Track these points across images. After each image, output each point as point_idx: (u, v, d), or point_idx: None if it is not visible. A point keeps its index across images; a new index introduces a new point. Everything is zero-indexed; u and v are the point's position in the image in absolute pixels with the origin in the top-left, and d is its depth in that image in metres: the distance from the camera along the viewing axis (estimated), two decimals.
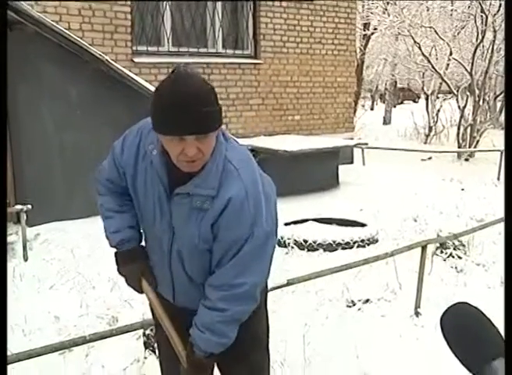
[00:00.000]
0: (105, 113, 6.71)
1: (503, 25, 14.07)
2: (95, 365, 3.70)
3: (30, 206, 5.70)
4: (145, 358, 3.75)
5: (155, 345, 3.74)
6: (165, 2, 8.87)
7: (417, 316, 4.66)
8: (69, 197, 6.69)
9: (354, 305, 4.84)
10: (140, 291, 2.35)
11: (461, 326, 1.03)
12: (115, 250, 2.36)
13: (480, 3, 13.64)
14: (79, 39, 6.49)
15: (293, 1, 10.33)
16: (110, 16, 8.21)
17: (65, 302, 4.66)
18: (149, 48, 8.85)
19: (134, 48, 8.61)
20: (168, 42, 9.02)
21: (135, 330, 3.28)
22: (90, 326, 4.12)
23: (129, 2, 8.38)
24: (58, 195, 6.69)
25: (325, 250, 6.11)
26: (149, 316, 3.66)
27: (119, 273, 2.40)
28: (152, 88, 6.88)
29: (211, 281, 2.09)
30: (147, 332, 3.75)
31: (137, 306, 4.34)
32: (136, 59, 8.52)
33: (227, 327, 2.09)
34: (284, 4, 10.22)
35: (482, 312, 1.04)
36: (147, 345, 3.77)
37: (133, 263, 2.31)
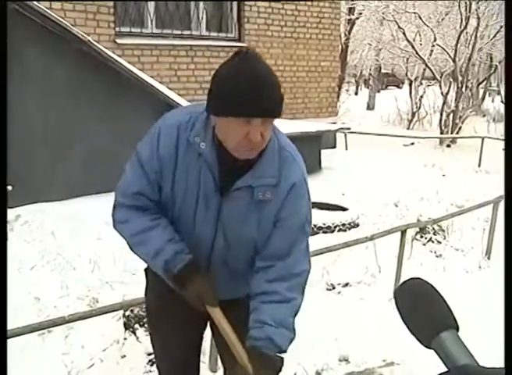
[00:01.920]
0: (88, 95, 6.65)
1: (487, 12, 14.15)
2: (75, 346, 3.70)
3: (10, 187, 5.66)
4: (125, 339, 3.76)
5: (135, 326, 3.77)
6: None
7: None
8: (51, 178, 6.65)
9: (334, 288, 4.89)
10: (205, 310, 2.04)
11: (413, 300, 1.06)
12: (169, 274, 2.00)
13: None
14: (61, 19, 6.41)
15: None
16: None
17: (45, 283, 4.65)
18: (132, 30, 8.78)
19: (117, 29, 8.53)
20: (151, 24, 8.95)
21: (115, 310, 3.28)
22: (70, 307, 4.12)
23: None
24: (40, 177, 6.64)
25: None
26: (129, 297, 3.68)
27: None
28: (135, 70, 6.84)
29: (272, 275, 1.99)
30: (127, 313, 3.76)
31: (118, 287, 4.35)
32: (119, 40, 8.45)
33: (294, 320, 2.01)
34: None
35: (434, 288, 1.07)
36: (126, 326, 3.78)
37: (190, 284, 1.97)
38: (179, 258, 1.96)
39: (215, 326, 2.10)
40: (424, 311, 1.05)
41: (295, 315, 2.01)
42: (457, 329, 1.03)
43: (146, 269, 2.31)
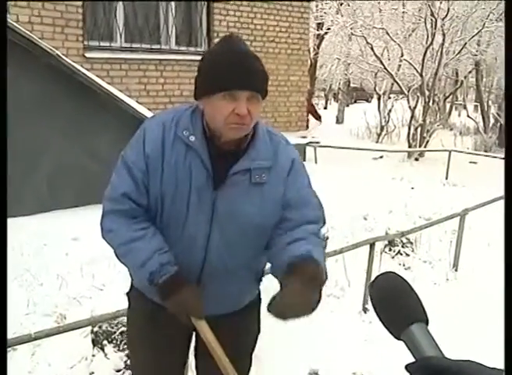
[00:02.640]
0: (56, 109, 6.60)
1: (452, 29, 14.42)
2: (41, 363, 3.64)
3: None
4: (93, 355, 3.71)
5: (103, 342, 3.72)
6: None
7: (365, 312, 4.74)
8: (18, 193, 6.57)
9: None
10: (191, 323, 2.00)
11: (385, 293, 1.10)
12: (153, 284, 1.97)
13: (430, 6, 13.92)
14: (28, 32, 6.37)
15: (247, 0, 10.35)
16: (61, 10, 8.08)
17: (12, 300, 4.57)
18: (101, 44, 8.75)
19: (86, 43, 8.50)
20: (120, 38, 8.94)
21: (83, 327, 3.25)
22: (36, 324, 4.06)
23: None
24: (7, 192, 6.55)
25: None
26: (97, 312, 3.64)
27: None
28: (104, 84, 6.81)
29: (297, 233, 1.95)
30: (96, 329, 3.72)
31: (86, 303, 4.29)
32: (87, 54, 8.42)
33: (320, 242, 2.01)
34: (238, 2, 10.24)
35: (406, 282, 1.11)
36: (95, 343, 3.73)
37: (175, 296, 1.93)
38: (165, 270, 1.93)
39: (200, 340, 2.08)
40: (395, 304, 1.08)
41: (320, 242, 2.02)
42: (427, 322, 1.07)
43: (128, 293, 2.28)
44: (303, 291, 1.70)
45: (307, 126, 12.47)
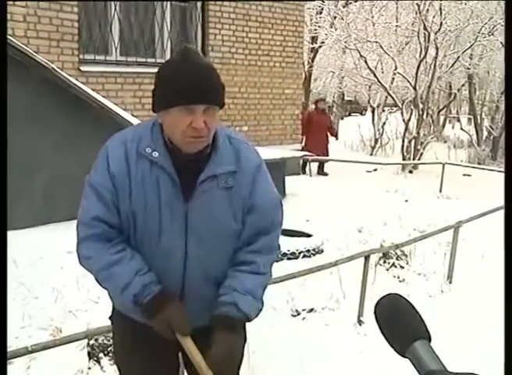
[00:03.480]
0: (51, 122, 6.61)
1: (445, 42, 14.53)
2: None
3: None
4: (89, 368, 3.71)
5: (99, 355, 3.72)
6: (113, 11, 8.82)
7: (360, 325, 4.75)
8: (13, 207, 6.55)
9: (299, 314, 4.90)
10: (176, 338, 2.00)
11: (389, 313, 1.17)
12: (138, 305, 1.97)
13: (423, 20, 14.03)
14: (24, 46, 6.39)
15: (242, 14, 10.42)
16: (56, 24, 8.11)
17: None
18: (96, 57, 8.78)
19: (81, 57, 8.52)
20: (116, 51, 8.97)
21: (79, 340, 3.25)
22: (32, 337, 4.05)
23: (76, 10, 8.30)
24: None
25: None
26: (93, 325, 3.63)
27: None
28: (99, 97, 6.84)
29: (255, 247, 2.07)
30: (92, 342, 3.71)
31: (81, 316, 4.29)
32: (83, 68, 8.44)
33: (263, 292, 2.09)
34: (233, 16, 10.31)
35: (409, 302, 1.18)
36: (91, 355, 3.73)
37: (160, 314, 1.94)
38: (148, 291, 1.94)
39: (186, 357, 2.08)
40: (399, 323, 1.15)
41: (264, 288, 2.09)
42: (429, 339, 1.13)
43: (111, 318, 2.27)
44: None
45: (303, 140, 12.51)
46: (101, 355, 3.70)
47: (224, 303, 1.99)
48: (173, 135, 1.94)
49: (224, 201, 2.01)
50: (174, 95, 1.87)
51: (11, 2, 7.42)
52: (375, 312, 1.19)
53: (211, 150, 2.00)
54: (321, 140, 12.97)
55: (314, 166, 12.51)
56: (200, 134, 1.90)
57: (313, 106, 15.18)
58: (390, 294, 1.21)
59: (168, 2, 9.57)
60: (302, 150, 12.26)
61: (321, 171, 12.75)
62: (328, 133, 13.44)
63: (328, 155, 13.04)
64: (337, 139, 17.20)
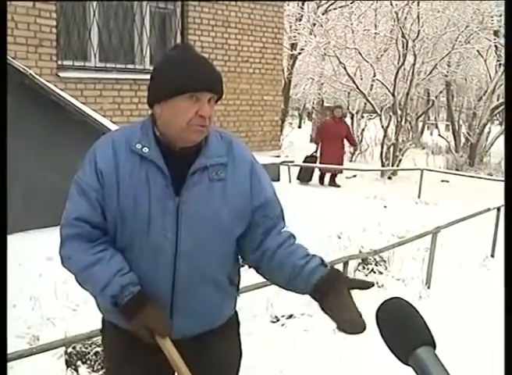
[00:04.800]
0: (29, 128, 6.56)
1: (423, 49, 14.70)
2: None
3: None
4: None
5: (77, 363, 3.69)
6: (92, 17, 8.79)
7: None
8: None
9: (278, 320, 4.91)
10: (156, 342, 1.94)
11: (390, 318, 1.11)
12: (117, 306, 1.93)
13: (401, 28, 14.18)
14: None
15: (222, 20, 10.44)
16: (34, 29, 8.06)
17: None
18: (75, 63, 8.73)
19: (60, 63, 8.47)
20: (95, 57, 8.93)
21: (56, 348, 3.22)
22: (9, 345, 4.00)
23: (54, 15, 8.25)
24: None
25: (250, 266, 6.14)
26: (71, 333, 3.61)
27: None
28: (78, 104, 6.80)
29: (281, 227, 2.17)
30: (69, 350, 3.69)
31: (59, 324, 4.25)
32: (61, 74, 8.39)
33: None
34: (212, 22, 10.32)
35: (413, 306, 1.13)
36: (68, 364, 3.71)
37: (139, 315, 1.88)
38: (127, 292, 1.89)
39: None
40: (401, 328, 1.09)
41: None
42: (434, 345, 1.08)
43: (102, 331, 2.23)
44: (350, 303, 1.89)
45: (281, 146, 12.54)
46: (79, 363, 3.68)
47: (319, 265, 2.04)
48: (173, 126, 1.93)
49: (216, 193, 1.98)
50: (182, 82, 1.88)
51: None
52: (376, 317, 1.14)
53: (200, 142, 2.00)
54: (336, 149, 12.79)
55: (294, 171, 12.49)
56: (205, 123, 1.92)
57: (325, 113, 14.99)
58: (393, 297, 1.16)
59: (148, 8, 9.56)
60: (313, 158, 12.23)
61: (332, 182, 12.64)
62: (347, 142, 13.29)
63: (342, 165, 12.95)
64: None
